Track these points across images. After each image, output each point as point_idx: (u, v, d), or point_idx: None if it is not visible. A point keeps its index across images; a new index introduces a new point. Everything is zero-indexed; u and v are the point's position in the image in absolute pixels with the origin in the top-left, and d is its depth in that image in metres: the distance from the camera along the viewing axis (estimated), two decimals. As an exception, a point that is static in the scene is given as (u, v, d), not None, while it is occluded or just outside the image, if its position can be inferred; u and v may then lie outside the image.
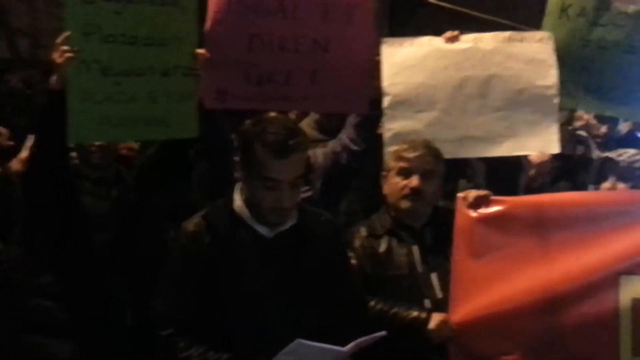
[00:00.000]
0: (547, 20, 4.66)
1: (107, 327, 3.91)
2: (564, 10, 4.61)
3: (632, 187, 4.17)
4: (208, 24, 4.30)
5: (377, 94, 4.47)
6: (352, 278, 3.54)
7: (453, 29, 4.64)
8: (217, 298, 3.19)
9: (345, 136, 4.65)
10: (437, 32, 4.64)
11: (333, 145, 4.73)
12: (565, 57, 4.58)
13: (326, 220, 3.51)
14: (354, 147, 4.59)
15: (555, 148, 4.48)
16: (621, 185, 4.16)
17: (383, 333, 3.16)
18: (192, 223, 3.29)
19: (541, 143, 4.48)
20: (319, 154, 4.74)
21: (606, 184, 4.21)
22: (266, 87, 4.45)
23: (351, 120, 4.66)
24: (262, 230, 3.26)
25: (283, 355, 2.98)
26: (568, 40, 4.61)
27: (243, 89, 4.42)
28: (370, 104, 4.51)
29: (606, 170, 4.26)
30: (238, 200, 3.30)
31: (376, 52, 4.53)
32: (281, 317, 3.16)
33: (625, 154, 4.26)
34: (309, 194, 4.56)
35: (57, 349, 3.78)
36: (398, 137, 4.25)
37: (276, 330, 3.11)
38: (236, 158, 3.31)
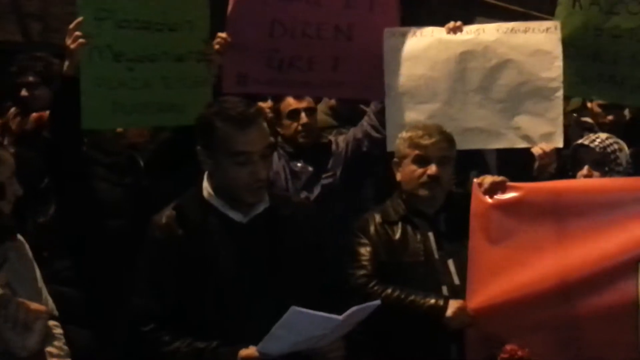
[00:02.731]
0: (560, 9, 4.60)
1: (120, 312, 3.90)
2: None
3: (608, 172, 4.15)
4: (229, 9, 4.33)
5: None
6: (328, 257, 3.52)
7: (464, 14, 4.61)
8: (196, 289, 3.14)
9: (367, 123, 4.64)
10: (449, 18, 4.62)
11: (354, 132, 4.73)
12: (579, 47, 4.55)
13: (297, 203, 3.54)
14: (375, 134, 4.57)
15: (558, 141, 4.43)
16: (596, 172, 4.15)
17: (377, 302, 3.13)
18: (163, 215, 3.25)
19: (544, 136, 4.43)
20: (340, 140, 4.75)
21: (582, 171, 4.18)
22: (287, 72, 4.48)
23: (373, 107, 4.66)
24: (236, 216, 3.22)
25: (278, 328, 2.94)
26: (581, 29, 4.56)
27: (264, 74, 4.45)
28: None
29: (580, 156, 4.23)
30: (208, 189, 3.25)
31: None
32: (261, 301, 3.13)
33: (597, 139, 4.24)
34: (329, 180, 4.62)
35: (75, 335, 3.78)
36: (399, 128, 4.21)
37: (258, 316, 3.09)
38: (198, 147, 3.22)
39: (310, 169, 4.65)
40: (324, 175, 4.64)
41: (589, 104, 5.99)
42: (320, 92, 4.81)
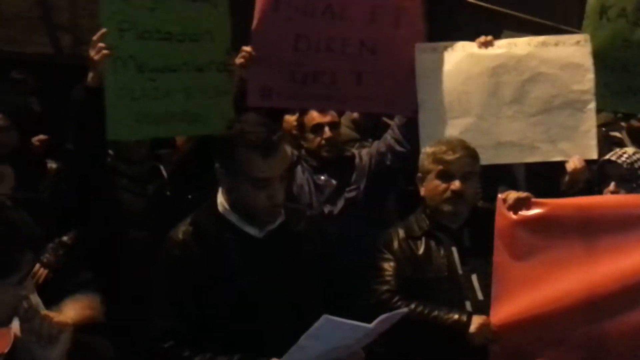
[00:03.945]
0: (587, 22, 4.63)
1: (142, 324, 3.91)
2: (603, 11, 4.60)
3: (636, 188, 4.11)
4: (254, 23, 4.33)
5: None
6: (337, 268, 3.51)
7: (492, 28, 4.60)
8: (214, 304, 3.12)
9: (390, 137, 4.63)
10: (477, 32, 4.63)
11: (378, 145, 4.72)
12: (607, 59, 4.56)
13: (309, 216, 3.51)
14: (399, 148, 4.57)
15: (593, 154, 4.43)
16: (623, 189, 4.11)
17: (405, 310, 3.17)
18: (180, 232, 3.21)
19: (578, 148, 4.43)
20: (363, 154, 4.73)
21: (609, 188, 4.14)
22: (311, 86, 4.48)
23: (397, 120, 4.65)
24: (252, 231, 3.20)
25: (307, 338, 2.90)
26: (609, 41, 4.59)
27: (288, 88, 4.45)
28: (415, 106, 4.48)
29: (607, 172, 4.20)
30: (223, 204, 3.23)
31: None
32: (279, 314, 3.12)
33: (624, 155, 4.21)
34: (353, 194, 4.60)
35: (101, 346, 3.78)
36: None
37: (276, 330, 3.06)
38: (217, 165, 3.21)
39: (334, 182, 4.64)
40: (347, 189, 4.62)
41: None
42: (344, 106, 4.80)
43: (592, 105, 4.45)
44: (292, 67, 4.45)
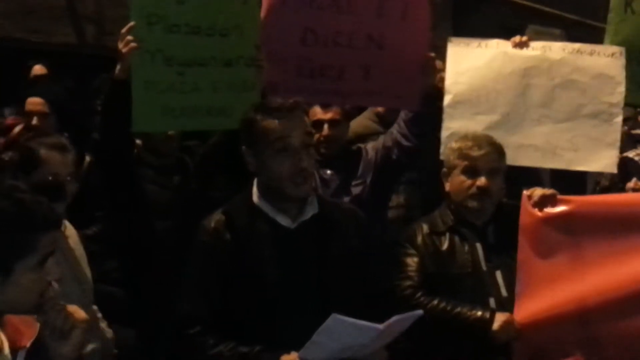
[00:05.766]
0: (612, 15, 4.62)
1: (165, 313, 3.93)
2: (628, 4, 4.56)
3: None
4: (262, 17, 4.29)
5: (429, 90, 4.41)
6: (376, 265, 3.48)
7: (517, 22, 4.55)
8: (243, 293, 3.14)
9: (397, 131, 4.57)
10: (501, 25, 4.59)
11: (384, 139, 4.66)
12: (633, 52, 4.51)
13: (347, 209, 3.50)
14: (405, 143, 4.49)
15: (613, 168, 4.43)
16: None
17: (419, 312, 3.09)
18: (212, 220, 3.26)
19: (599, 161, 4.41)
20: (369, 148, 4.69)
21: (630, 184, 4.11)
22: (318, 80, 4.42)
23: (403, 115, 4.57)
24: (284, 221, 3.21)
25: (318, 335, 2.91)
26: (635, 34, 4.56)
27: (295, 82, 4.38)
28: (422, 101, 4.43)
29: (629, 169, 4.16)
30: (256, 194, 3.26)
31: (430, 49, 4.45)
32: (307, 307, 3.11)
33: None
34: (359, 188, 4.55)
35: (121, 333, 3.81)
36: (456, 136, 4.17)
37: (303, 321, 3.03)
38: (243, 148, 3.26)
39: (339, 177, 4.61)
40: (353, 183, 4.57)
41: None
42: (350, 101, 4.71)
43: (619, 119, 4.41)
44: (300, 61, 4.38)
